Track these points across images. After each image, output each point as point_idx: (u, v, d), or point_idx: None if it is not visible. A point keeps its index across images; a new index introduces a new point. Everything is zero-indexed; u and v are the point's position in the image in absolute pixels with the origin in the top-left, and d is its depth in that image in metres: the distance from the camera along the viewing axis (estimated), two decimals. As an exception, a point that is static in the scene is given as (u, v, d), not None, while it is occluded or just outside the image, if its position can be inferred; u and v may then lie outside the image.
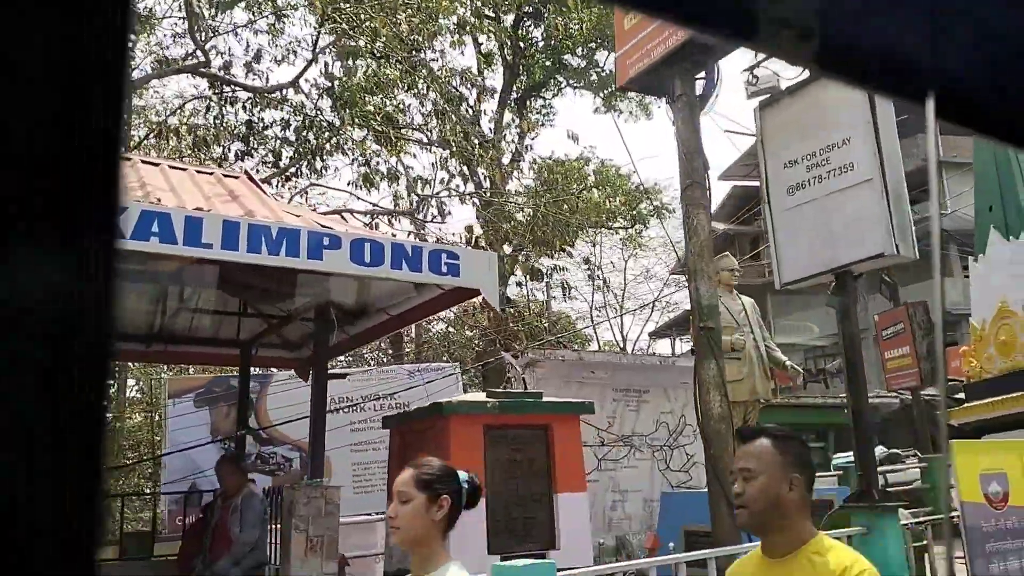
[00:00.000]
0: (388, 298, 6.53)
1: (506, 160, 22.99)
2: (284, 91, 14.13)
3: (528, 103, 25.28)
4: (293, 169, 15.63)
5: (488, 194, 19.72)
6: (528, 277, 18.01)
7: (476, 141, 17.90)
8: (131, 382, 20.27)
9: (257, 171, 15.57)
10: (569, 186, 22.54)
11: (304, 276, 5.47)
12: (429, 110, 14.35)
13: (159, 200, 4.84)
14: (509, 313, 16.05)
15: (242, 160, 14.08)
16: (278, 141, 13.98)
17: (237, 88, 14.33)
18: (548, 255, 19.76)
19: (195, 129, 13.59)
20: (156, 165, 6.50)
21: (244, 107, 14.49)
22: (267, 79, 14.20)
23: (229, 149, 13.64)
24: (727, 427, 4.79)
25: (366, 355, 22.63)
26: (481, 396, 6.10)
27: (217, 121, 13.46)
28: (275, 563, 5.84)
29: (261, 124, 14.21)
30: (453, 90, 15.22)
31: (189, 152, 14.32)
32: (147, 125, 15.12)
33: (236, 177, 6.78)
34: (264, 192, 6.46)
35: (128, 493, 13.63)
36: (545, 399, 6.24)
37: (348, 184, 14.88)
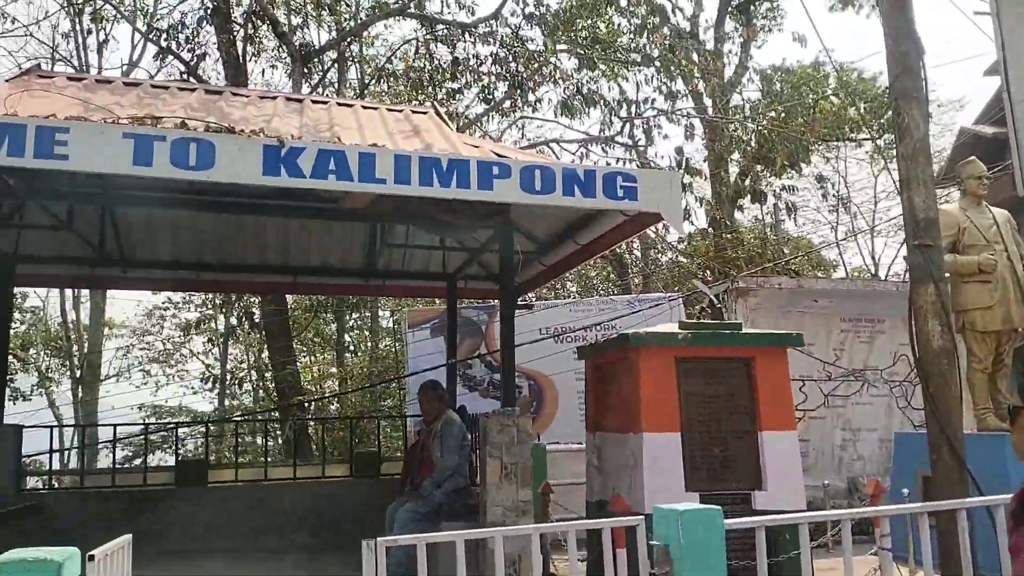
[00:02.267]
0: (576, 226, 6.30)
1: (729, 72, 21.49)
2: (491, 24, 14.12)
3: (752, 6, 23.20)
4: (508, 103, 15.71)
5: (707, 111, 18.59)
6: (749, 198, 16.83)
7: (690, 55, 16.85)
8: (384, 313, 21.88)
9: (468, 108, 15.85)
10: (802, 97, 20.66)
11: (486, 206, 5.39)
12: (635, 26, 13.63)
13: (339, 139, 4.93)
14: (726, 240, 15.15)
15: (453, 98, 14.35)
16: (489, 76, 14.04)
17: (446, 26, 14.55)
18: (775, 174, 18.33)
19: (409, 71, 14.01)
20: (350, 106, 6.71)
21: (453, 44, 14.69)
22: (473, 12, 14.25)
23: (440, 88, 13.93)
24: (950, 362, 4.05)
25: (596, 285, 22.63)
26: (674, 327, 5.72)
27: (425, 62, 13.77)
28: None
29: (470, 60, 14.34)
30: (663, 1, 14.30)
31: (407, 94, 14.86)
32: (372, 70, 15.88)
33: (424, 113, 6.82)
34: (448, 125, 6.43)
35: (365, 415, 14.76)
36: (747, 330, 5.72)
37: (553, 114, 14.60)
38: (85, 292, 20.93)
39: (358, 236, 7.75)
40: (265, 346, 16.12)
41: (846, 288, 8.41)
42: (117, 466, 8.09)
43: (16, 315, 25.99)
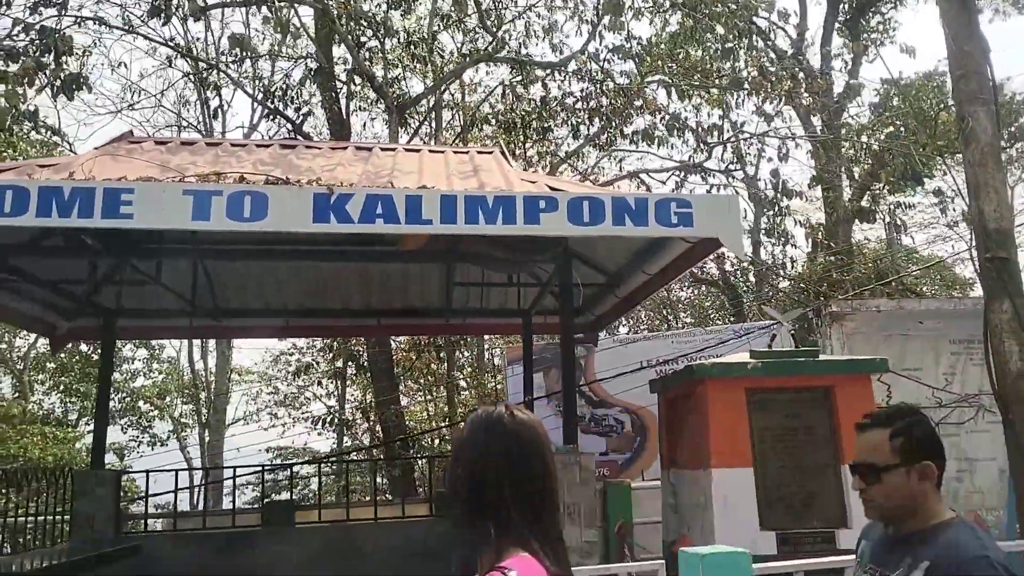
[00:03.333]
0: (643, 256, 6.17)
1: (839, 90, 20.63)
2: (578, 59, 14.18)
3: (862, 21, 22.24)
4: (603, 137, 15.68)
5: (814, 131, 17.88)
6: (858, 219, 15.97)
7: (795, 74, 16.30)
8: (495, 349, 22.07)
9: (560, 145, 15.90)
10: (920, 109, 19.57)
11: (539, 241, 5.36)
12: (718, 50, 13.34)
13: (391, 183, 5.04)
14: (828, 262, 14.39)
15: (545, 137, 14.45)
16: (578, 112, 14.08)
17: (535, 67, 14.74)
18: (892, 191, 17.32)
19: (497, 114, 14.25)
20: (417, 151, 6.87)
21: (544, 84, 14.86)
22: (560, 51, 14.38)
23: (530, 128, 14.08)
24: None
25: (710, 314, 21.95)
26: (744, 356, 5.45)
27: (515, 104, 13.96)
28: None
29: (559, 99, 14.45)
30: (750, 24, 13.98)
31: (500, 137, 15.11)
32: (467, 116, 16.27)
33: (489, 153, 6.89)
34: (510, 163, 6.46)
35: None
36: (824, 357, 5.39)
37: (632, 143, 14.45)
38: (211, 342, 22.21)
39: (434, 278, 7.87)
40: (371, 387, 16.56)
41: (953, 308, 7.77)
42: (211, 509, 8.38)
43: (155, 366, 27.98)
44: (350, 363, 15.76)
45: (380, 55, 15.18)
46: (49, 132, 15.23)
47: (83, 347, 25.07)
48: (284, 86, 14.81)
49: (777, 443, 5.17)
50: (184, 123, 19.65)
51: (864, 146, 18.80)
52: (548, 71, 14.75)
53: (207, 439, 21.75)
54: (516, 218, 4.74)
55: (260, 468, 11.09)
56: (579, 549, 5.18)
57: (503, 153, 6.91)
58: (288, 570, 6.73)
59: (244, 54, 15.69)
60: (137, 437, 25.98)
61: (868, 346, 7.82)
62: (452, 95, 16.62)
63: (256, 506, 7.70)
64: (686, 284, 20.90)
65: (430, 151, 7.00)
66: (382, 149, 6.85)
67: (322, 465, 15.45)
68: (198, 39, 16.10)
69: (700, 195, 5.55)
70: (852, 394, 5.21)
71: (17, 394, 23.40)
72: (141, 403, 26.17)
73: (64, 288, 6.69)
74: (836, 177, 18.74)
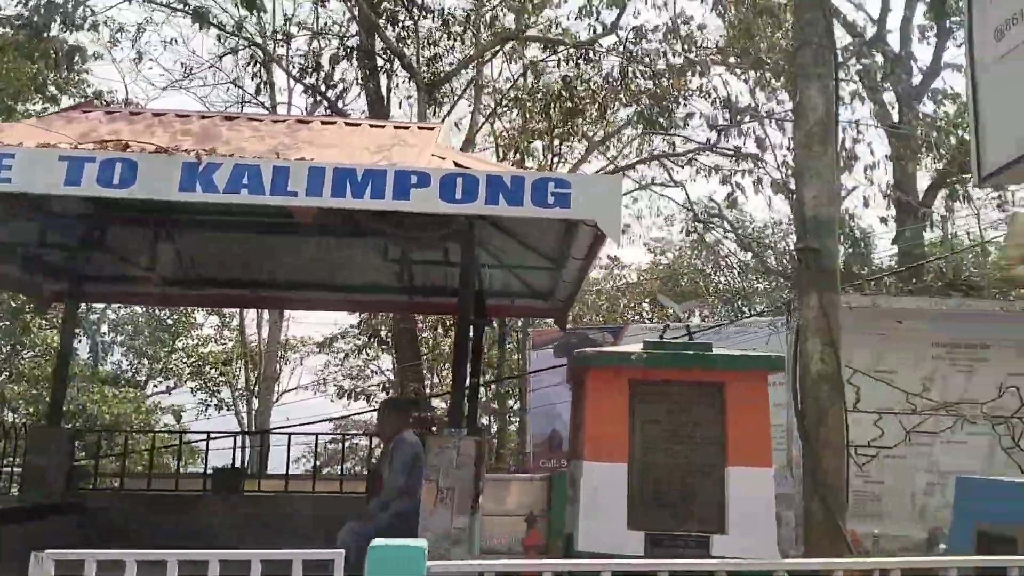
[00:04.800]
0: (567, 240, 5.93)
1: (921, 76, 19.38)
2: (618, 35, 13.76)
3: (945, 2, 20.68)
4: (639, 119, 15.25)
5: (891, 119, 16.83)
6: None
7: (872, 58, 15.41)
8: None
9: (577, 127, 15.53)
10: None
11: (441, 219, 5.22)
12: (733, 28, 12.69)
13: (277, 154, 5.03)
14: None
15: (570, 119, 14.17)
16: (596, 93, 13.75)
17: (565, 46, 14.44)
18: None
19: (524, 94, 14.05)
20: (356, 125, 6.83)
21: (577, 63, 14.54)
22: (595, 31, 13.99)
23: (556, 108, 13.83)
24: (833, 391, 3.27)
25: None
26: (637, 347, 5.18)
27: (540, 84, 13.72)
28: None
29: (587, 79, 14.12)
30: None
31: (530, 116, 14.94)
32: (499, 96, 16.15)
33: (431, 129, 6.75)
34: (446, 141, 6.31)
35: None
36: (718, 351, 5.06)
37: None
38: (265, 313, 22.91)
39: (369, 254, 7.69)
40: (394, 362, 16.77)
41: (934, 307, 7.15)
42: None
43: (225, 333, 29.22)
44: (372, 338, 15.96)
45: (413, 32, 15.20)
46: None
47: (156, 312, 26.51)
48: (316, 63, 15.02)
49: (661, 439, 4.90)
50: (245, 98, 20.28)
51: (947, 132, 17.63)
52: (580, 50, 14.42)
53: (256, 406, 22.56)
54: (385, 193, 4.64)
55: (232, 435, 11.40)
56: (448, 535, 5.07)
57: (431, 128, 6.75)
58: (224, 533, 6.88)
59: (286, 30, 16.03)
60: (205, 400, 27.29)
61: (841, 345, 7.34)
62: (486, 77, 16.46)
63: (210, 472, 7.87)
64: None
65: (370, 126, 6.94)
66: (322, 123, 6.83)
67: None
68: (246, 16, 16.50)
69: (581, 176, 5.32)
70: (745, 392, 4.88)
71: (90, 355, 24.83)
72: (209, 368, 27.42)
73: (34, 253, 6.98)
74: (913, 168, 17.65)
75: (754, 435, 4.86)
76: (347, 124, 6.91)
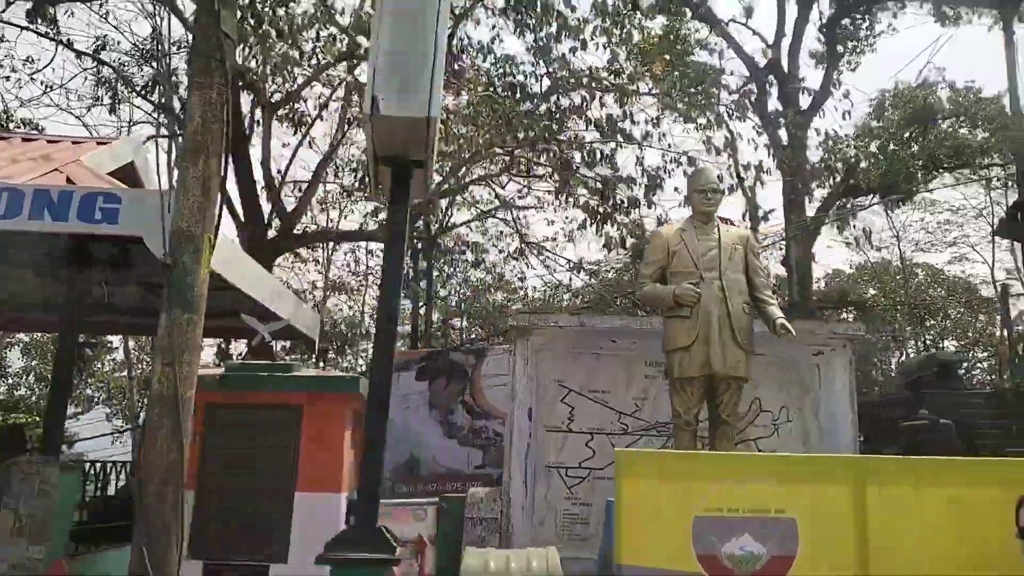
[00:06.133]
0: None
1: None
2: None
3: (840, 27, 20.65)
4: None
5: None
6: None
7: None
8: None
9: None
10: (912, 119, 18.53)
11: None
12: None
13: None
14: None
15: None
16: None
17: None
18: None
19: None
20: (33, 140, 6.65)
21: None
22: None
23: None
24: (165, 411, 3.10)
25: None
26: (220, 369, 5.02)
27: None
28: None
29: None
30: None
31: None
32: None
33: (80, 143, 6.56)
34: (74, 160, 6.08)
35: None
36: (298, 372, 4.90)
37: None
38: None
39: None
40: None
41: (649, 327, 7.03)
42: None
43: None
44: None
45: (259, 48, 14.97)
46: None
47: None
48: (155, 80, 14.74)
49: (233, 464, 4.72)
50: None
51: (847, 157, 17.83)
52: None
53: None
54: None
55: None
56: (22, 566, 4.85)
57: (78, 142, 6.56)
58: None
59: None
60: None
61: (555, 364, 7.24)
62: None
63: None
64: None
65: (23, 139, 6.73)
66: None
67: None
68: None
69: (131, 190, 5.12)
70: (322, 414, 4.73)
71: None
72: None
73: None
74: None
75: (327, 460, 4.70)
76: (24, 139, 6.73)
